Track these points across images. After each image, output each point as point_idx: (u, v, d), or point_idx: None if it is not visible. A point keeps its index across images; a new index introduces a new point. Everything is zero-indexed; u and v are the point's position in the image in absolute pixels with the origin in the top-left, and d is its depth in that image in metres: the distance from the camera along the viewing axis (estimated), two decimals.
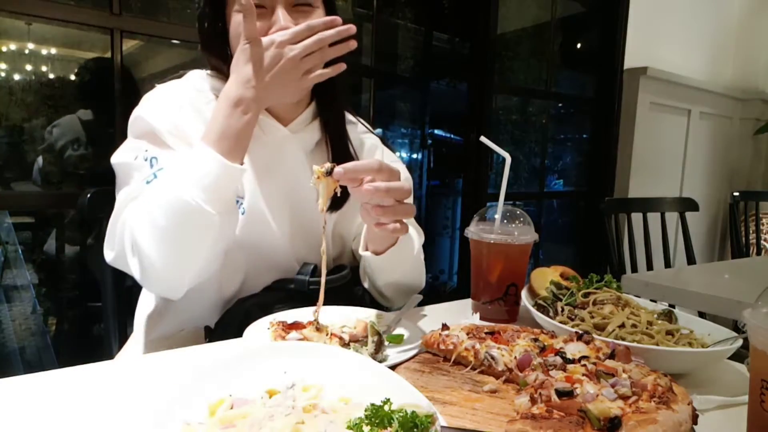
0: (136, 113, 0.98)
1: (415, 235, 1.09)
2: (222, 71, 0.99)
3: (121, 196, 0.94)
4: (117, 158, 0.96)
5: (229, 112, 0.86)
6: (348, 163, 0.79)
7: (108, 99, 1.75)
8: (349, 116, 1.15)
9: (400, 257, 1.00)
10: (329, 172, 0.78)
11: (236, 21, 0.94)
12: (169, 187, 0.84)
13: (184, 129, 0.95)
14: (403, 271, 1.06)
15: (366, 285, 1.11)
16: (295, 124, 1.04)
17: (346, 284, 1.03)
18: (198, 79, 1.04)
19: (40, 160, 1.82)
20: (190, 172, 0.84)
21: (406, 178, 1.10)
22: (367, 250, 0.98)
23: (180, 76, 1.06)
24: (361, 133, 1.17)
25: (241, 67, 0.87)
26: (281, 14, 0.93)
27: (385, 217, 0.81)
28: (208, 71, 1.05)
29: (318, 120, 1.08)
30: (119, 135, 1.74)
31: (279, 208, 1.02)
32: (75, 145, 1.85)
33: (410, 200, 0.86)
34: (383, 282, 1.06)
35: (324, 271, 0.84)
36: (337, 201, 1.01)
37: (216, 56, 1.00)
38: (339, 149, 1.07)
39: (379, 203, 0.80)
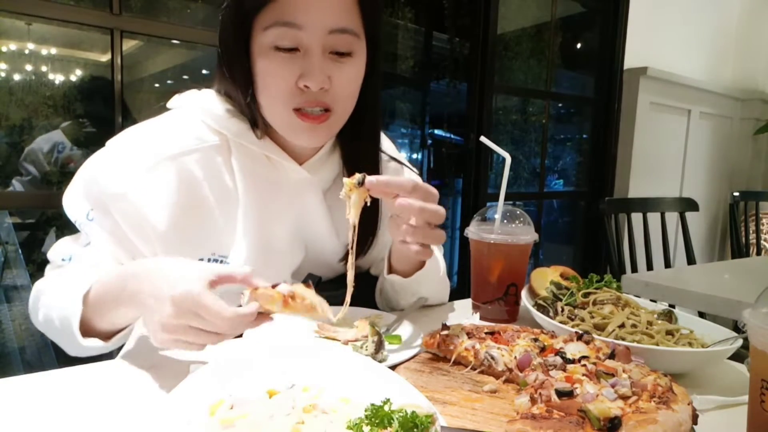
0: (93, 173, 0.87)
1: (440, 256, 1.09)
2: (235, 98, 0.90)
3: (55, 249, 0.91)
4: (67, 206, 0.89)
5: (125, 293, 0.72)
6: (382, 176, 0.78)
7: (108, 99, 1.75)
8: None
9: (426, 279, 0.98)
10: (361, 183, 0.77)
11: (261, 61, 0.84)
12: (60, 302, 0.79)
13: (139, 198, 0.84)
14: (428, 291, 1.04)
15: (381, 307, 1.09)
16: (312, 162, 0.96)
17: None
18: (194, 111, 0.92)
19: (28, 166, 1.83)
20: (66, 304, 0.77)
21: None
22: (391, 272, 0.96)
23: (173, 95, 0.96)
24: (384, 161, 1.07)
25: (164, 308, 0.65)
26: (315, 67, 0.82)
27: (412, 238, 0.80)
28: (214, 90, 0.94)
29: (338, 152, 1.00)
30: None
31: (290, 252, 0.97)
32: (60, 146, 1.85)
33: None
34: (407, 302, 1.03)
35: (351, 275, 0.81)
36: (363, 248, 0.99)
37: (232, 85, 0.89)
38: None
39: (410, 222, 0.79)
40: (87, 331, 0.76)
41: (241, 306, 0.66)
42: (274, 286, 0.70)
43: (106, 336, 0.78)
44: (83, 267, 0.86)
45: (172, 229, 0.86)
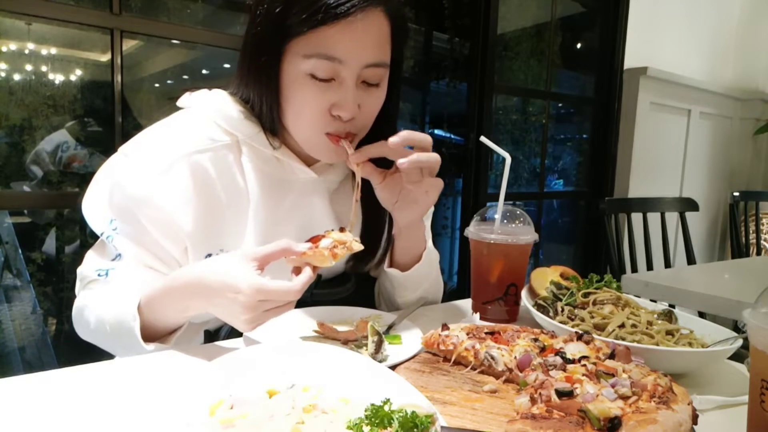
0: (116, 180, 0.88)
1: (435, 255, 1.10)
2: (252, 104, 0.91)
3: (87, 265, 0.92)
4: (89, 216, 0.90)
5: (183, 303, 0.78)
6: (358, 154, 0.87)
7: (108, 99, 1.75)
8: None
9: (422, 274, 1.02)
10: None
11: (296, 86, 0.85)
12: (113, 307, 0.83)
13: (163, 200, 0.86)
14: (424, 290, 1.07)
15: (381, 307, 1.11)
16: (321, 164, 0.98)
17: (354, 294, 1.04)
18: (206, 111, 0.92)
19: (34, 168, 1.84)
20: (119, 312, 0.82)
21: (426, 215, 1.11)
22: (391, 266, 1.00)
23: (178, 99, 0.96)
24: None
25: (236, 307, 0.72)
26: (349, 98, 0.84)
27: (412, 169, 0.87)
28: (228, 93, 0.94)
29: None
30: (119, 136, 1.75)
31: None
32: (64, 146, 1.85)
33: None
34: (403, 300, 1.06)
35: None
36: (361, 259, 1.01)
37: (257, 94, 0.89)
38: (368, 184, 0.97)
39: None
40: (144, 336, 0.80)
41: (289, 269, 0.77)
42: (313, 241, 0.78)
43: (159, 337, 0.82)
44: (124, 279, 0.88)
45: (196, 226, 0.88)
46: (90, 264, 0.92)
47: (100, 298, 0.87)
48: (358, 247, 0.80)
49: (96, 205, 0.90)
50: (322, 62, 0.82)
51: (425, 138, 0.88)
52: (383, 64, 0.87)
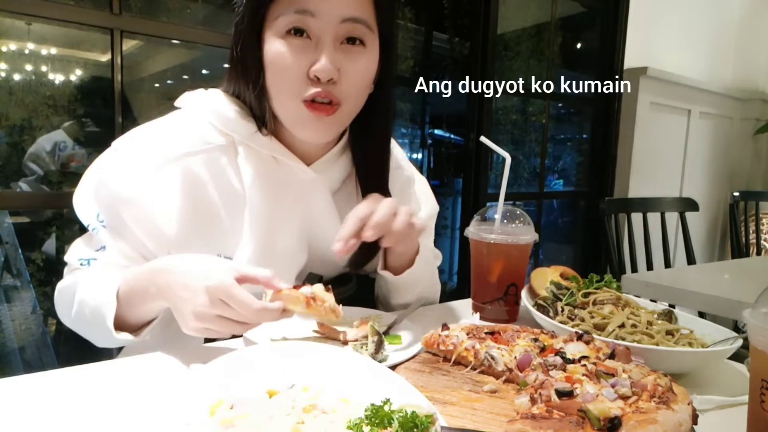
0: (102, 177, 0.88)
1: (432, 259, 1.10)
2: (243, 97, 0.91)
3: (71, 253, 0.93)
4: (78, 208, 0.91)
5: (155, 286, 0.76)
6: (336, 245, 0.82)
7: (108, 99, 1.75)
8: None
9: (416, 278, 1.01)
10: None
11: (272, 48, 0.84)
12: (92, 294, 0.84)
13: (148, 201, 0.86)
14: (418, 292, 1.06)
15: (380, 308, 1.11)
16: (321, 163, 0.96)
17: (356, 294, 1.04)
18: (201, 111, 0.92)
19: (32, 165, 1.84)
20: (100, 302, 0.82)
21: (430, 215, 1.13)
22: (384, 269, 0.99)
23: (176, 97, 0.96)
24: (393, 169, 1.06)
25: (199, 298, 0.70)
26: (325, 56, 0.82)
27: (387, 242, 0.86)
28: (221, 91, 0.94)
29: (348, 153, 1.00)
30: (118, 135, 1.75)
31: (294, 254, 0.97)
32: (61, 145, 1.86)
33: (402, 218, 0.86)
34: (397, 302, 1.06)
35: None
36: (362, 260, 1.01)
37: (243, 79, 0.90)
38: (369, 183, 0.98)
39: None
40: (118, 325, 0.80)
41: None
42: (296, 288, 0.75)
43: (135, 329, 0.82)
44: (107, 266, 0.88)
45: (181, 231, 0.87)
46: (74, 252, 0.92)
47: (84, 284, 0.87)
48: (331, 315, 0.75)
49: (85, 198, 0.91)
50: (294, 17, 0.81)
51: (386, 208, 0.84)
52: (362, 21, 0.84)
